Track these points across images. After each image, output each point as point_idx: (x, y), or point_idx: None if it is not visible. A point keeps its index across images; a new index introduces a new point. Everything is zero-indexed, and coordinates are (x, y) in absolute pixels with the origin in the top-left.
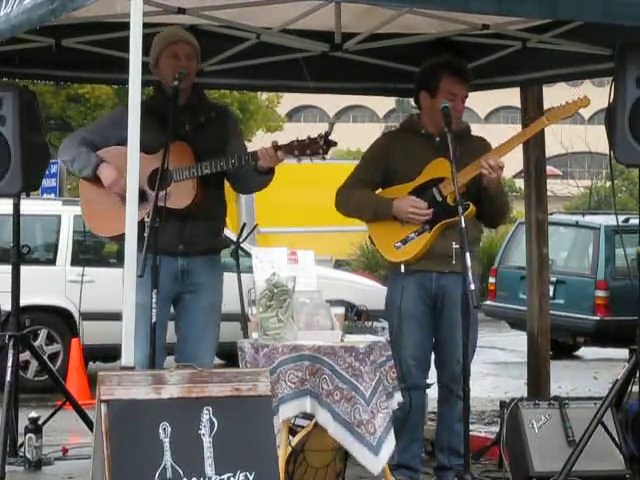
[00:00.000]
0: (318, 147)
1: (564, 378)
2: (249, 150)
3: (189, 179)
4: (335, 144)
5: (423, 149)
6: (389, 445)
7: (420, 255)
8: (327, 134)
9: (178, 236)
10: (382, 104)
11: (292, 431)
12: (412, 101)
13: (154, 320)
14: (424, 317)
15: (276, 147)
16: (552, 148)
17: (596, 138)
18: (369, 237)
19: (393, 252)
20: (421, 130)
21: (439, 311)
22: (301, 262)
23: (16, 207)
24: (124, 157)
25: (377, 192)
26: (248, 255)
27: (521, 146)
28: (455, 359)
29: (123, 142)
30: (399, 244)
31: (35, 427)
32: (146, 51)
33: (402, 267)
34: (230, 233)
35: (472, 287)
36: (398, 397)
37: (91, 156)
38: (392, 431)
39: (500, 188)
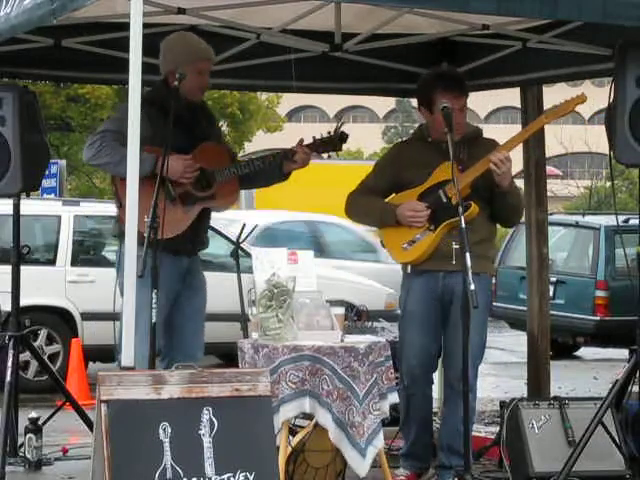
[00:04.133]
0: (336, 143)
1: (564, 378)
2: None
3: (231, 178)
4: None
5: (432, 156)
6: (375, 447)
7: (426, 255)
8: (341, 132)
9: (192, 234)
10: (382, 104)
11: (292, 431)
12: (412, 101)
13: (154, 320)
14: (428, 318)
15: (311, 145)
16: (552, 148)
17: (596, 138)
18: (380, 240)
19: (401, 253)
20: (428, 138)
21: (446, 310)
22: (301, 262)
23: (16, 207)
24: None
25: (389, 198)
26: (248, 255)
27: (521, 146)
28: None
29: (145, 140)
30: (406, 245)
31: (35, 427)
32: (146, 51)
33: (409, 268)
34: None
35: (472, 287)
36: (392, 398)
37: (143, 153)
38: (381, 433)
39: (512, 185)
